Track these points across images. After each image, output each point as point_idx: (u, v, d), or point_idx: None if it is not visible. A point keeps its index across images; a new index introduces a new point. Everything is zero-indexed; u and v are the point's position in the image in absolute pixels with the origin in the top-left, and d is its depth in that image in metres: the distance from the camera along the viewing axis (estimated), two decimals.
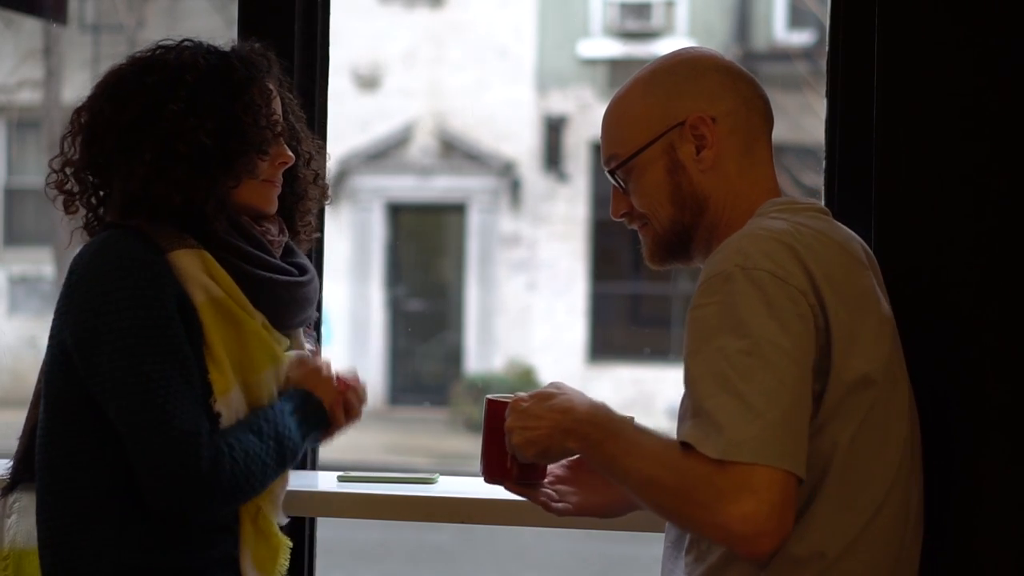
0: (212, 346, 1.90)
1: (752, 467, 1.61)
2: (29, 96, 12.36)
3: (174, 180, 1.91)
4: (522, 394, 1.85)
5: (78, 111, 1.98)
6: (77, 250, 1.97)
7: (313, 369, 2.03)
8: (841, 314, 1.73)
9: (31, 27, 11.15)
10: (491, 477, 1.90)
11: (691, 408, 1.68)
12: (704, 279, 1.73)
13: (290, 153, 2.05)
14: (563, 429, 1.77)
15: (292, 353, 2.04)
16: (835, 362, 1.72)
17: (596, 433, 1.75)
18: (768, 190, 1.88)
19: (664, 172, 1.87)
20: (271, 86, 2.03)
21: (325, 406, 2.01)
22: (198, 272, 1.91)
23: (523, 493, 1.94)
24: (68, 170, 1.99)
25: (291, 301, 2.03)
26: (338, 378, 2.06)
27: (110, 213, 1.97)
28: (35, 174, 13.51)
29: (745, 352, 1.65)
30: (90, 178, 1.99)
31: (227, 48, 2.02)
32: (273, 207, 2.05)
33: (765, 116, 1.90)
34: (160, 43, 2.00)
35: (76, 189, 2.00)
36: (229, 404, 1.91)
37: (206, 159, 1.92)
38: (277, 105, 2.04)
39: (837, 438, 1.73)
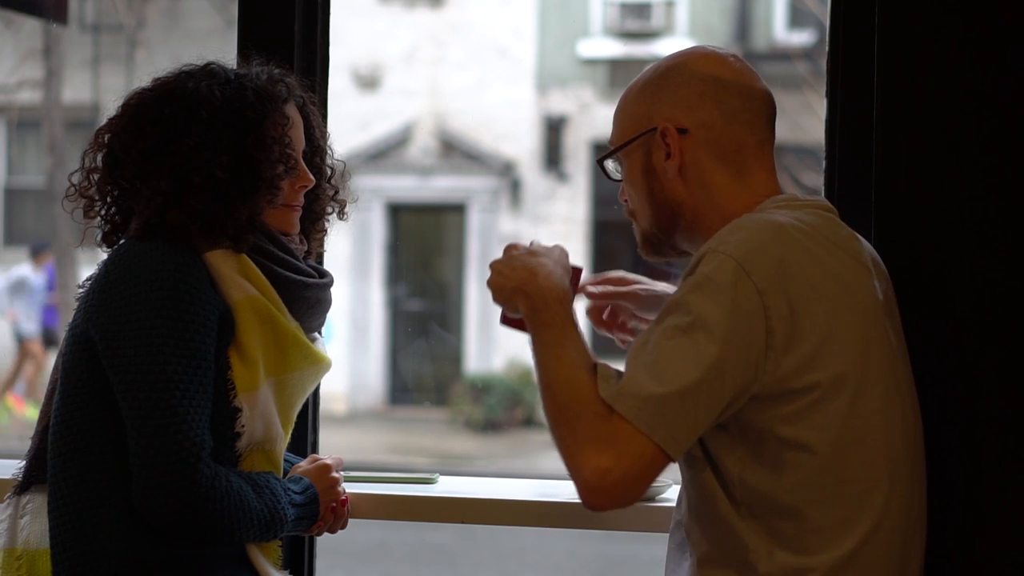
0: (244, 344, 1.95)
1: (631, 428, 1.66)
2: (29, 96, 12.36)
3: (190, 209, 1.95)
4: (530, 244, 1.93)
5: (100, 130, 2.03)
6: (82, 250, 2.06)
7: (324, 465, 2.12)
8: (819, 315, 1.73)
9: (31, 27, 11.17)
10: (504, 321, 1.98)
11: None
12: (691, 260, 1.79)
13: (311, 176, 2.10)
14: (524, 290, 1.85)
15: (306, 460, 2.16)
16: (799, 360, 1.72)
17: (543, 313, 1.82)
18: (762, 195, 1.87)
19: (640, 172, 1.92)
20: (290, 113, 2.06)
21: (320, 502, 2.07)
22: (233, 273, 1.96)
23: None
24: (92, 176, 2.03)
25: (316, 303, 2.09)
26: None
27: (134, 227, 1.99)
28: (35, 174, 13.52)
29: (680, 328, 1.70)
30: (110, 190, 2.03)
31: (248, 73, 2.05)
32: (295, 229, 2.11)
33: (752, 127, 1.88)
34: (184, 68, 2.04)
35: (96, 197, 2.04)
36: (254, 401, 1.95)
37: (221, 190, 1.96)
38: (295, 132, 2.07)
39: (812, 440, 1.72)
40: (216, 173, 1.95)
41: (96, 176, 2.03)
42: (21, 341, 12.29)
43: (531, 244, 1.92)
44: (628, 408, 1.67)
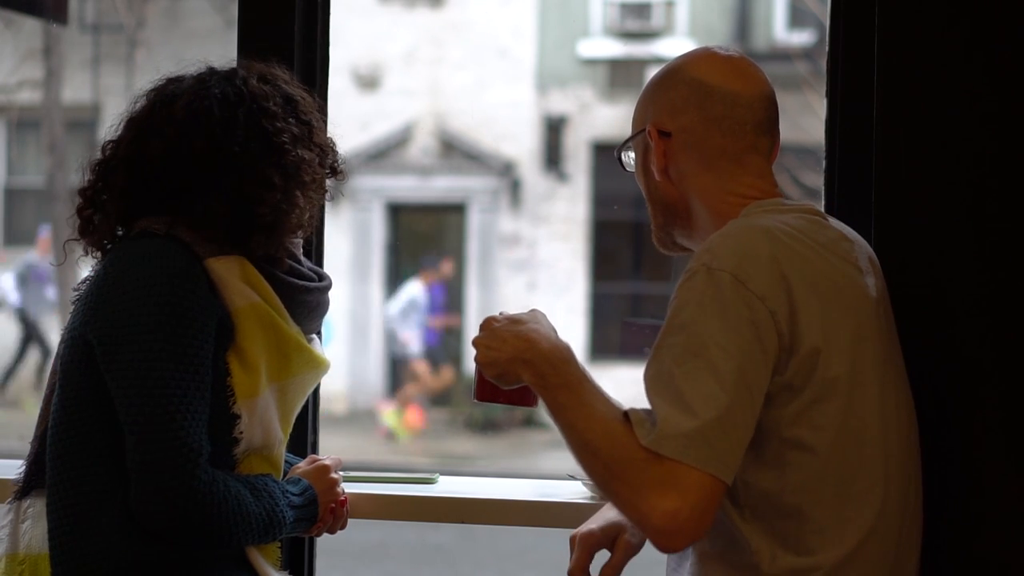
0: (245, 351, 1.94)
1: (684, 466, 1.64)
2: (29, 96, 12.36)
3: (300, 206, 1.99)
4: (502, 313, 1.89)
5: (142, 131, 1.99)
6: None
7: (322, 466, 2.11)
8: (815, 314, 1.73)
9: (31, 27, 11.17)
10: (480, 396, 1.95)
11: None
12: (682, 275, 1.77)
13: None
14: (523, 359, 1.81)
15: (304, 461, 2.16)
16: (801, 360, 1.72)
17: (553, 377, 1.77)
18: (751, 199, 1.87)
19: (640, 170, 1.96)
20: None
21: (319, 503, 2.06)
22: (235, 279, 1.95)
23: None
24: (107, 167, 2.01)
25: (316, 307, 2.09)
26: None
27: (146, 223, 1.97)
28: (35, 174, 13.52)
29: (692, 352, 1.68)
30: (125, 183, 2.00)
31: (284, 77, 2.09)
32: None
33: (735, 134, 1.87)
34: (214, 70, 2.04)
35: (105, 195, 2.01)
36: (253, 408, 1.94)
37: (322, 187, 2.04)
38: None
39: (812, 440, 1.73)
40: (321, 171, 2.03)
41: (120, 178, 2.00)
42: (407, 361, 12.16)
43: (501, 314, 1.90)
44: (674, 449, 1.64)
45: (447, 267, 12.54)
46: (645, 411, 1.71)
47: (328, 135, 2.08)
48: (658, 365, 1.71)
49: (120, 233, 2.01)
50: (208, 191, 1.95)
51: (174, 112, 1.98)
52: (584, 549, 1.98)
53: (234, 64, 2.07)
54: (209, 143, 1.95)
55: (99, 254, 2.02)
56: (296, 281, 2.04)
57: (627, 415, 1.71)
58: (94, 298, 1.92)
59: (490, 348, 1.85)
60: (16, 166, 14.09)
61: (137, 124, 2.01)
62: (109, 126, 2.04)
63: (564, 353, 1.80)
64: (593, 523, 2.01)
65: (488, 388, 1.93)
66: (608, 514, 2.01)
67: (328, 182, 2.11)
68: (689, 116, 1.88)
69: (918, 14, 2.07)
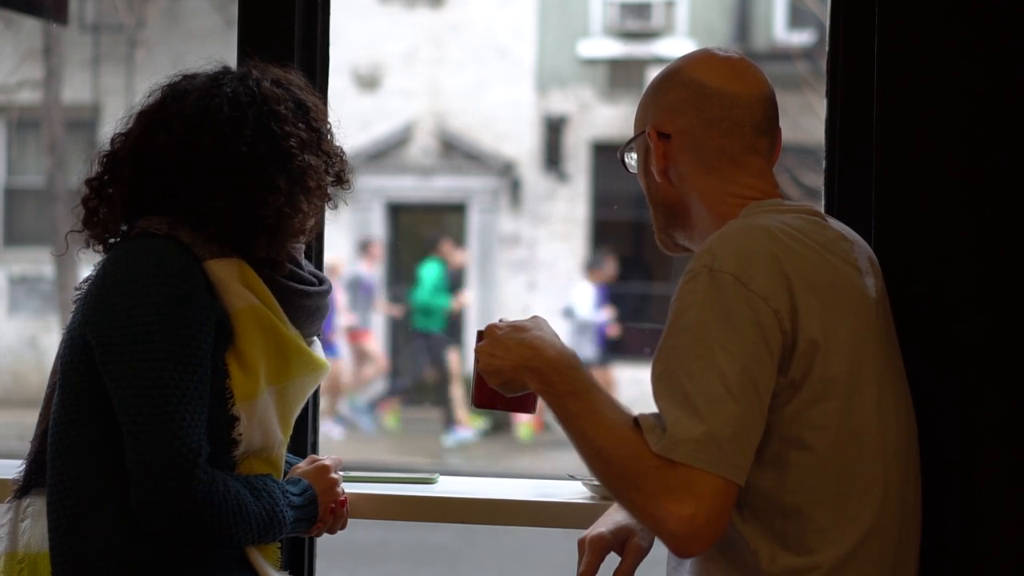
0: (244, 353, 1.94)
1: (697, 471, 1.64)
2: (29, 96, 12.36)
3: (304, 211, 2.01)
4: (503, 320, 1.88)
5: (154, 129, 1.99)
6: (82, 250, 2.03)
7: (322, 466, 2.11)
8: (815, 312, 1.73)
9: (31, 27, 11.16)
10: (479, 402, 1.94)
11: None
12: (682, 276, 1.77)
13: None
14: (529, 367, 1.80)
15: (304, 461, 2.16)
16: (802, 357, 1.72)
17: (561, 384, 1.77)
18: (750, 199, 1.87)
19: (641, 171, 1.96)
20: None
21: (319, 503, 2.07)
22: (234, 281, 1.95)
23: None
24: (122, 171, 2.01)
25: (315, 310, 2.09)
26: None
27: (147, 223, 1.97)
28: (35, 174, 13.52)
29: (696, 355, 1.68)
30: (131, 181, 2.00)
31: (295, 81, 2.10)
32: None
33: (733, 135, 1.88)
34: (226, 72, 2.05)
35: (111, 187, 2.01)
36: (252, 410, 1.95)
37: (326, 195, 2.05)
38: None
39: (812, 438, 1.73)
40: (327, 177, 2.05)
41: (128, 172, 2.00)
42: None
43: (502, 321, 1.89)
44: (685, 455, 1.64)
45: (611, 266, 12.35)
46: (654, 416, 1.70)
47: (337, 145, 2.08)
48: (663, 368, 1.71)
49: (123, 229, 2.01)
50: (213, 189, 1.95)
51: (184, 107, 1.98)
52: (595, 552, 1.98)
53: (250, 66, 2.07)
54: (216, 140, 1.96)
55: (100, 247, 2.02)
56: (296, 285, 2.04)
57: (637, 421, 1.70)
58: (93, 298, 1.93)
59: (494, 356, 1.84)
60: (16, 166, 14.08)
61: (147, 117, 2.01)
62: (120, 118, 2.04)
63: (570, 360, 1.79)
64: (602, 526, 2.00)
65: (488, 394, 1.92)
66: (616, 517, 2.01)
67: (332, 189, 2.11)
68: (688, 117, 1.88)
69: (918, 14, 2.07)
